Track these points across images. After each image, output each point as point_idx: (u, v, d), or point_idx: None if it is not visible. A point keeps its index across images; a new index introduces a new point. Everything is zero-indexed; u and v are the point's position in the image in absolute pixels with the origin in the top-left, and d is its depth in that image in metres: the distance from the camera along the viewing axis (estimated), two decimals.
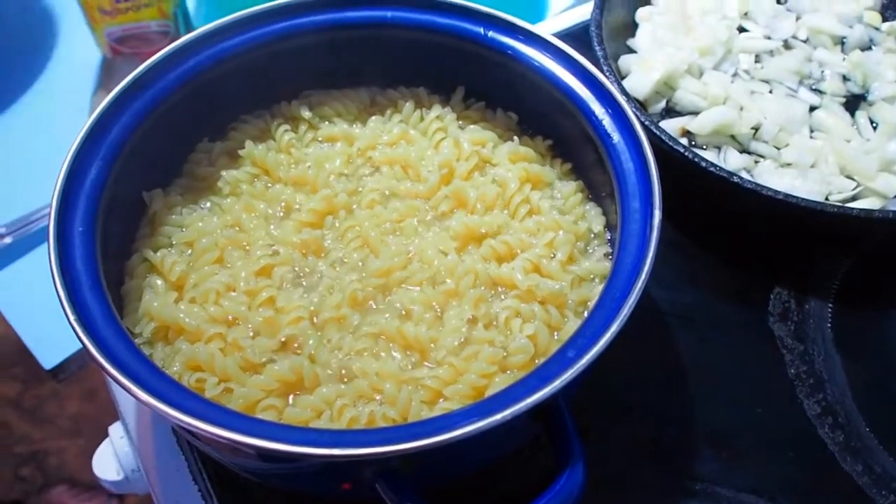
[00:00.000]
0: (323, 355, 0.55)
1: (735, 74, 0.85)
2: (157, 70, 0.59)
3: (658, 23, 0.87)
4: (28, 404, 1.53)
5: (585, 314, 0.57)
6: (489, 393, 0.52)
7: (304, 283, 0.59)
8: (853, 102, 0.85)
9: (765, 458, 0.64)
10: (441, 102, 0.69)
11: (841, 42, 0.90)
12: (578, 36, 0.88)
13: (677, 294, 0.73)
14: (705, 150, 0.79)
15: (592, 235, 0.63)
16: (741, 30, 0.89)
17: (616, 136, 0.58)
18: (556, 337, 0.57)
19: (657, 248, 0.51)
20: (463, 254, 0.61)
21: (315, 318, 0.56)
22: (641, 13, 0.89)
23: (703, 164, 0.69)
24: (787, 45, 0.88)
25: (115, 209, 0.55)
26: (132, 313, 0.56)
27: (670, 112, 0.83)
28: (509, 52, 0.63)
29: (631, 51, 0.87)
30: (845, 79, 0.86)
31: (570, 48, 0.62)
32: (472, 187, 0.63)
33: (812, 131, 0.81)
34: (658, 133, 0.71)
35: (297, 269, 0.59)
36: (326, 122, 0.68)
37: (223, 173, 0.64)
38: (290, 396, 0.53)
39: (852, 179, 0.77)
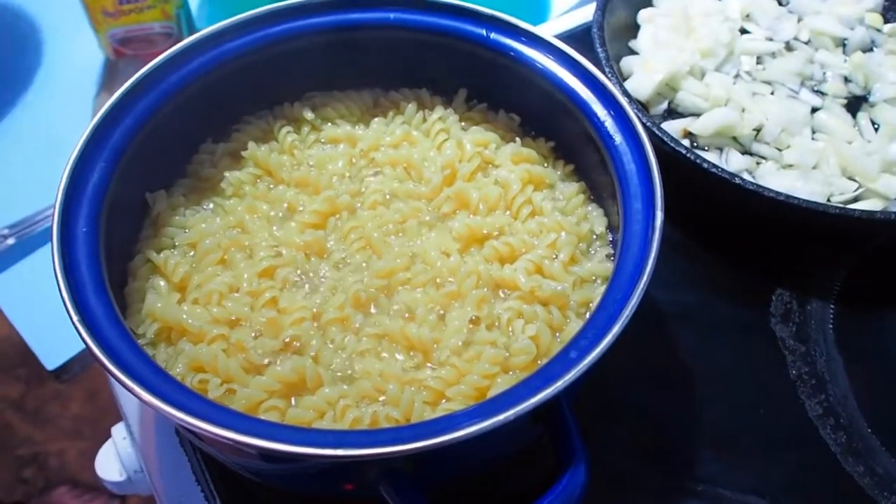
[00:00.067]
0: (326, 356, 0.55)
1: (737, 76, 0.85)
2: (161, 72, 0.60)
3: (660, 24, 0.87)
4: (30, 405, 1.53)
5: (587, 315, 0.57)
6: (491, 394, 0.52)
7: (306, 284, 0.59)
8: (855, 104, 0.85)
9: (766, 458, 0.64)
10: (443, 104, 0.70)
11: (842, 44, 0.90)
12: (580, 38, 0.88)
13: (679, 295, 0.73)
14: (707, 151, 0.79)
15: (594, 237, 0.63)
16: (743, 31, 0.89)
17: (618, 138, 0.58)
18: (558, 338, 0.57)
19: (659, 249, 0.51)
20: (465, 255, 0.61)
21: (318, 320, 0.57)
22: (643, 15, 0.89)
23: (705, 165, 0.69)
24: (788, 47, 0.89)
25: (118, 210, 0.55)
26: (135, 314, 0.56)
27: (672, 113, 0.83)
28: (511, 53, 0.63)
29: (633, 52, 0.87)
30: (847, 80, 0.86)
31: (572, 50, 0.62)
32: (475, 188, 0.63)
33: (814, 133, 0.81)
34: (660, 134, 0.71)
35: (299, 270, 0.59)
36: (329, 124, 0.68)
37: (226, 174, 0.64)
38: (293, 397, 0.53)
39: (854, 181, 0.77)
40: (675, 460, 0.64)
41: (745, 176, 0.76)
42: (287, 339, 0.55)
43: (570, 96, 0.61)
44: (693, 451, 0.65)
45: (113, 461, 0.70)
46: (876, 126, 0.82)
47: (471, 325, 0.56)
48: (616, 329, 0.47)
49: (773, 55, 0.87)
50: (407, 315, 0.57)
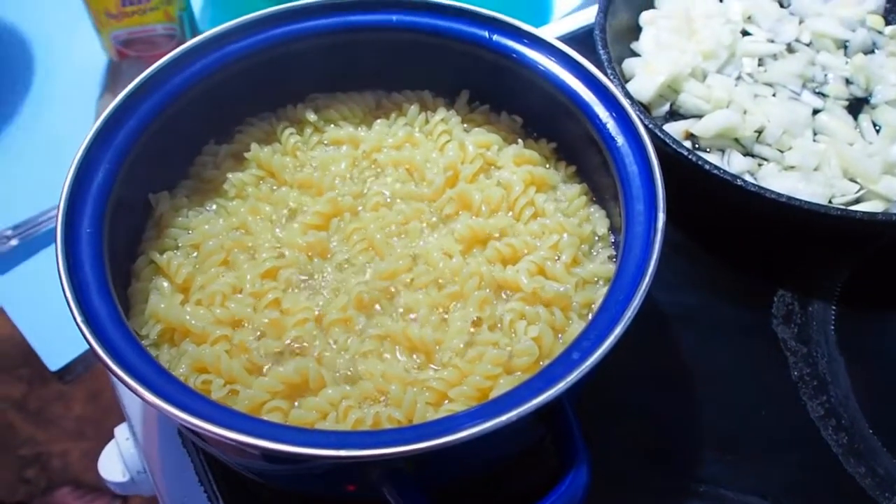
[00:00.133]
0: (328, 357, 0.55)
1: (738, 78, 0.85)
2: (164, 73, 0.60)
3: (662, 26, 0.88)
4: (33, 406, 1.53)
5: (590, 316, 0.58)
6: (494, 395, 0.52)
7: (309, 285, 0.59)
8: (856, 106, 0.85)
9: (768, 459, 0.64)
10: (446, 105, 0.70)
11: (844, 46, 0.90)
12: (582, 39, 0.88)
13: (681, 296, 0.73)
14: (709, 153, 0.80)
15: (596, 238, 0.63)
16: (744, 33, 0.89)
17: (620, 139, 0.58)
18: (560, 339, 0.57)
19: (661, 250, 0.51)
20: (468, 256, 0.61)
21: (321, 321, 0.57)
22: (645, 17, 0.89)
23: (707, 166, 0.69)
24: (790, 49, 0.89)
25: (121, 211, 0.56)
26: (138, 315, 0.57)
27: (674, 115, 0.83)
28: (514, 55, 0.63)
29: (635, 54, 0.87)
30: (848, 82, 0.86)
31: (575, 52, 0.62)
32: (477, 190, 0.63)
33: (815, 134, 0.81)
34: (662, 136, 0.71)
35: (302, 271, 0.59)
36: (332, 126, 0.69)
37: (229, 176, 0.64)
38: (296, 398, 0.54)
39: (855, 182, 0.77)
40: (677, 461, 0.65)
41: (747, 177, 0.76)
42: (290, 341, 0.55)
43: (573, 98, 0.61)
44: (694, 452, 0.65)
45: (116, 462, 0.70)
46: (877, 128, 0.82)
47: (473, 327, 0.56)
48: (618, 330, 0.47)
49: (775, 57, 0.87)
50: (410, 316, 0.57)
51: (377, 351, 0.56)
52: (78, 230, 0.52)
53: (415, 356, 0.56)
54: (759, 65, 0.87)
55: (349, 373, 0.55)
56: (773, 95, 0.84)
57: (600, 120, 0.59)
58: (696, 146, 0.80)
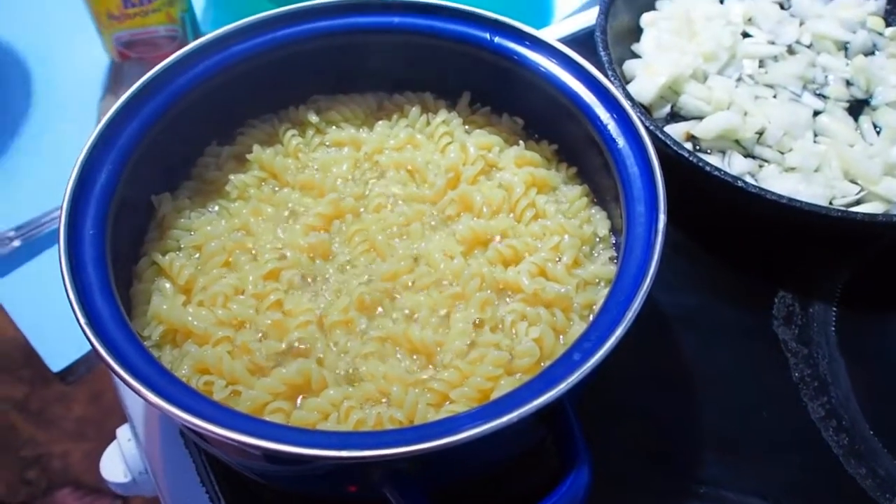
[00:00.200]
0: (330, 358, 0.55)
1: (739, 79, 0.85)
2: (167, 75, 0.60)
3: (663, 28, 0.88)
4: (34, 407, 1.54)
5: (591, 317, 0.58)
6: (495, 396, 0.52)
7: (311, 286, 0.59)
8: (857, 107, 0.85)
9: (769, 461, 0.65)
10: (447, 107, 0.70)
11: (844, 47, 0.90)
12: (583, 41, 0.88)
13: (682, 297, 0.74)
14: (710, 154, 0.80)
15: (597, 239, 0.63)
16: (745, 35, 0.90)
17: (621, 141, 0.58)
18: (561, 340, 0.57)
19: (662, 252, 0.51)
20: (469, 257, 0.61)
21: (322, 322, 0.57)
22: (646, 18, 0.90)
23: (708, 168, 0.70)
24: (790, 51, 0.89)
25: (124, 213, 0.56)
26: (140, 316, 0.57)
27: (675, 117, 0.84)
28: (515, 57, 0.63)
29: (635, 56, 0.88)
30: (849, 84, 0.86)
31: (575, 53, 0.62)
32: (478, 191, 0.64)
33: (816, 136, 0.81)
34: (663, 137, 0.71)
35: (304, 272, 0.59)
36: (334, 127, 0.69)
37: (231, 177, 0.64)
38: (298, 399, 0.54)
39: (856, 184, 0.77)
40: (678, 462, 0.65)
41: (748, 179, 0.76)
42: (292, 342, 0.55)
43: (574, 100, 0.61)
44: (695, 454, 0.65)
45: (118, 462, 0.70)
46: (878, 129, 0.82)
47: (474, 328, 0.56)
48: (619, 331, 0.47)
49: (776, 59, 0.87)
50: (411, 318, 0.57)
51: (378, 352, 0.56)
52: (81, 231, 0.52)
53: (416, 357, 0.56)
54: (760, 66, 0.87)
55: (351, 374, 0.55)
56: (774, 97, 0.84)
57: (601, 121, 0.59)
58: (697, 148, 0.80)
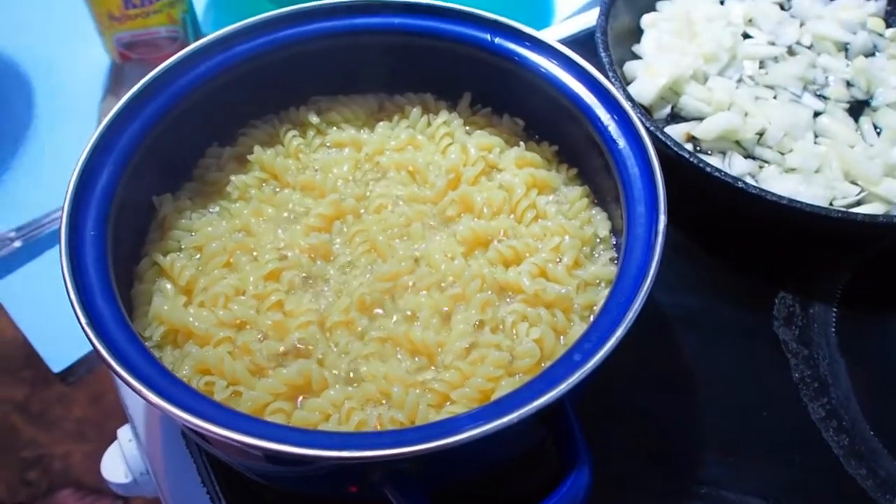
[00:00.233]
0: (331, 359, 0.55)
1: (740, 80, 0.85)
2: (168, 76, 0.60)
3: (663, 29, 0.88)
4: (35, 408, 1.53)
5: (591, 318, 0.58)
6: (495, 396, 0.52)
7: (312, 287, 0.59)
8: (857, 108, 0.85)
9: (769, 461, 0.65)
10: (448, 108, 0.70)
11: (845, 48, 0.90)
12: (584, 42, 0.88)
13: (682, 298, 0.74)
14: (710, 155, 0.80)
15: (598, 240, 0.63)
16: (745, 36, 0.90)
17: (622, 142, 0.58)
18: (561, 341, 0.57)
19: (662, 253, 0.51)
20: (470, 258, 0.61)
21: (323, 323, 0.57)
22: (646, 19, 0.90)
23: (708, 169, 0.70)
24: (791, 52, 0.89)
25: (125, 213, 0.56)
26: (142, 317, 0.57)
27: (675, 117, 0.84)
28: (516, 58, 0.64)
29: (636, 57, 0.88)
30: (849, 84, 0.86)
31: (576, 54, 0.62)
32: (479, 192, 0.64)
33: (816, 137, 0.81)
34: (663, 138, 0.71)
35: (305, 273, 0.59)
36: (334, 128, 0.69)
37: (232, 178, 0.65)
38: (299, 399, 0.54)
39: (856, 185, 0.77)
40: (678, 463, 0.65)
41: (748, 180, 0.76)
42: (293, 342, 0.55)
43: (574, 101, 0.61)
44: (696, 454, 0.65)
45: (119, 463, 0.70)
46: (878, 130, 0.83)
47: (475, 329, 0.56)
48: (619, 332, 0.47)
49: (776, 59, 0.87)
50: (412, 318, 0.57)
51: (379, 353, 0.56)
52: (82, 232, 0.52)
53: (417, 358, 0.56)
54: (760, 67, 0.87)
55: (351, 374, 0.55)
56: (774, 98, 0.84)
57: (602, 122, 0.59)
58: (698, 148, 0.80)
